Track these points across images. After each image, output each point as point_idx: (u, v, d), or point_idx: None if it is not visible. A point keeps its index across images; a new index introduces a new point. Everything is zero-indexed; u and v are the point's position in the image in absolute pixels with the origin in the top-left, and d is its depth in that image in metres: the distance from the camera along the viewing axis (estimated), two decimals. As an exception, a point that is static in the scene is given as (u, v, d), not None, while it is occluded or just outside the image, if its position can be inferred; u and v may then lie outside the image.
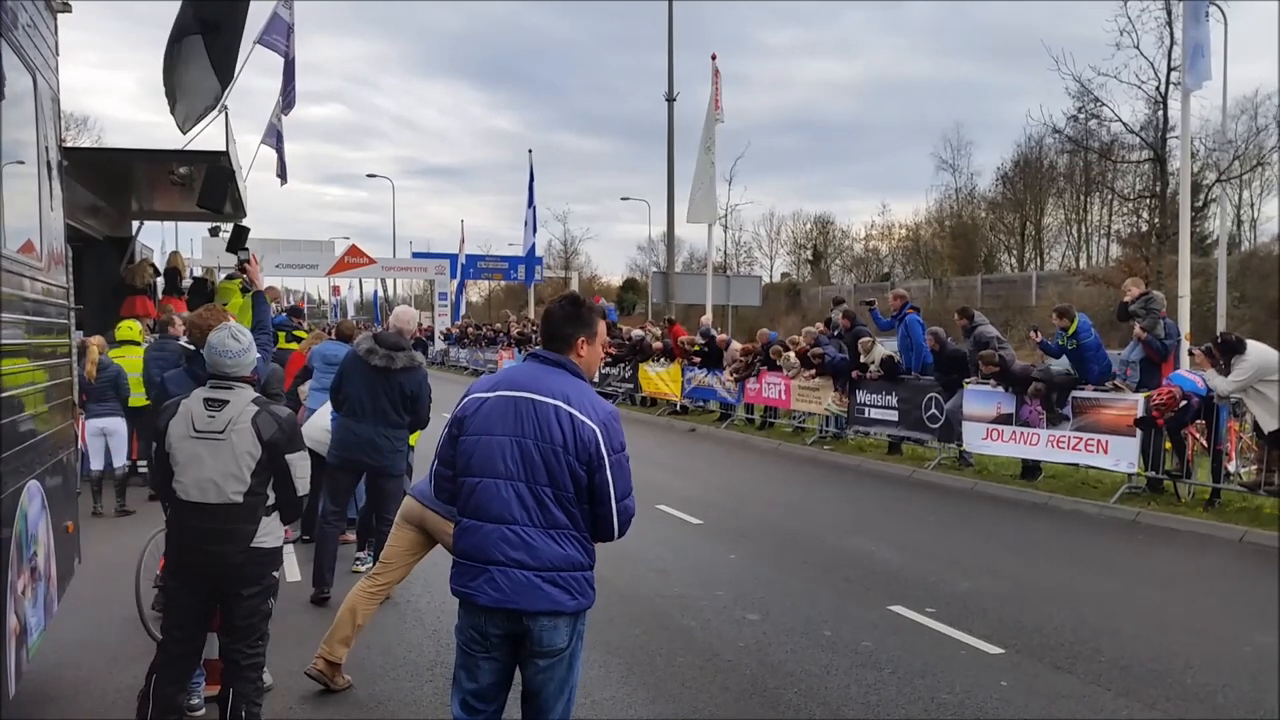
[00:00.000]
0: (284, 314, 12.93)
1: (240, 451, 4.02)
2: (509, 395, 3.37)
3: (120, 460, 9.84)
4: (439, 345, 41.09)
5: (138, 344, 10.59)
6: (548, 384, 3.37)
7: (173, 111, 6.69)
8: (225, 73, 6.65)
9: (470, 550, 3.36)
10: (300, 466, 4.20)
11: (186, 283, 14.67)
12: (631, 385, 22.12)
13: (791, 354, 16.63)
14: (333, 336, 10.45)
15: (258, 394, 4.28)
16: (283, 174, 18.80)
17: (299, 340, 10.83)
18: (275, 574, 4.27)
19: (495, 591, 3.27)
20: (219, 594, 4.14)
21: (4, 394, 3.95)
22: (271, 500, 4.16)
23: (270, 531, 4.17)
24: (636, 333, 23.24)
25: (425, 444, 8.72)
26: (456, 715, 3.44)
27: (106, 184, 11.59)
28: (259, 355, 5.29)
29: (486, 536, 3.31)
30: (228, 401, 4.09)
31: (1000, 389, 12.38)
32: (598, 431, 3.29)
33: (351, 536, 8.38)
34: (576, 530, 3.34)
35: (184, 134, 7.16)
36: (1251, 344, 10.02)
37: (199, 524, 4.02)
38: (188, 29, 6.62)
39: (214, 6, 6.67)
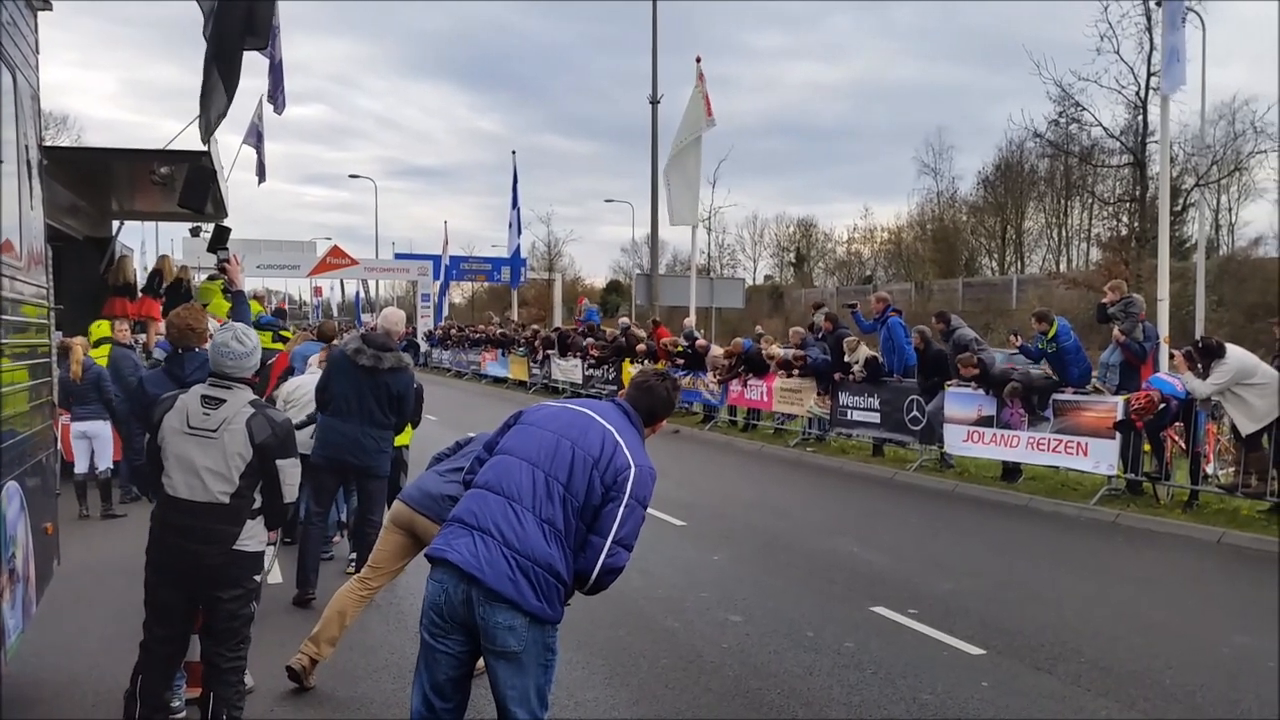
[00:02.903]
0: (271, 315, 12.84)
1: (231, 452, 4.01)
2: (574, 408, 3.58)
3: (105, 463, 9.75)
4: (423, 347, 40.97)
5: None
6: (613, 418, 3.57)
7: (200, 127, 6.72)
8: (231, 82, 6.67)
9: (464, 514, 3.42)
10: (290, 473, 4.19)
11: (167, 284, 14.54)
12: (615, 387, 22.10)
13: (776, 347, 16.80)
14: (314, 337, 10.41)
15: (256, 396, 4.27)
16: (261, 173, 18.71)
17: (285, 341, 10.79)
18: (256, 578, 4.25)
19: (469, 554, 3.30)
20: (198, 596, 4.12)
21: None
22: (258, 504, 4.15)
23: (253, 535, 4.15)
24: (622, 321, 23.87)
25: (421, 449, 8.71)
26: (415, 710, 3.46)
27: (86, 183, 11.50)
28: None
29: (488, 504, 3.38)
30: (225, 401, 4.09)
31: (981, 391, 12.45)
32: (631, 471, 3.41)
33: (338, 539, 8.36)
34: (566, 540, 3.36)
35: (205, 145, 7.20)
36: (1230, 348, 10.11)
37: (182, 521, 4.01)
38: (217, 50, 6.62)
39: (225, 17, 6.65)
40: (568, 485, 3.36)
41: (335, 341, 9.24)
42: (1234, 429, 10.24)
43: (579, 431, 3.47)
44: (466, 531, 3.36)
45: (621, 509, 3.36)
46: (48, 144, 7.34)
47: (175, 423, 4.05)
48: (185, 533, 4.01)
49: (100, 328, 10.83)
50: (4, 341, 4.36)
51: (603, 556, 3.35)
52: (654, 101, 25.56)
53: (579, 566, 3.39)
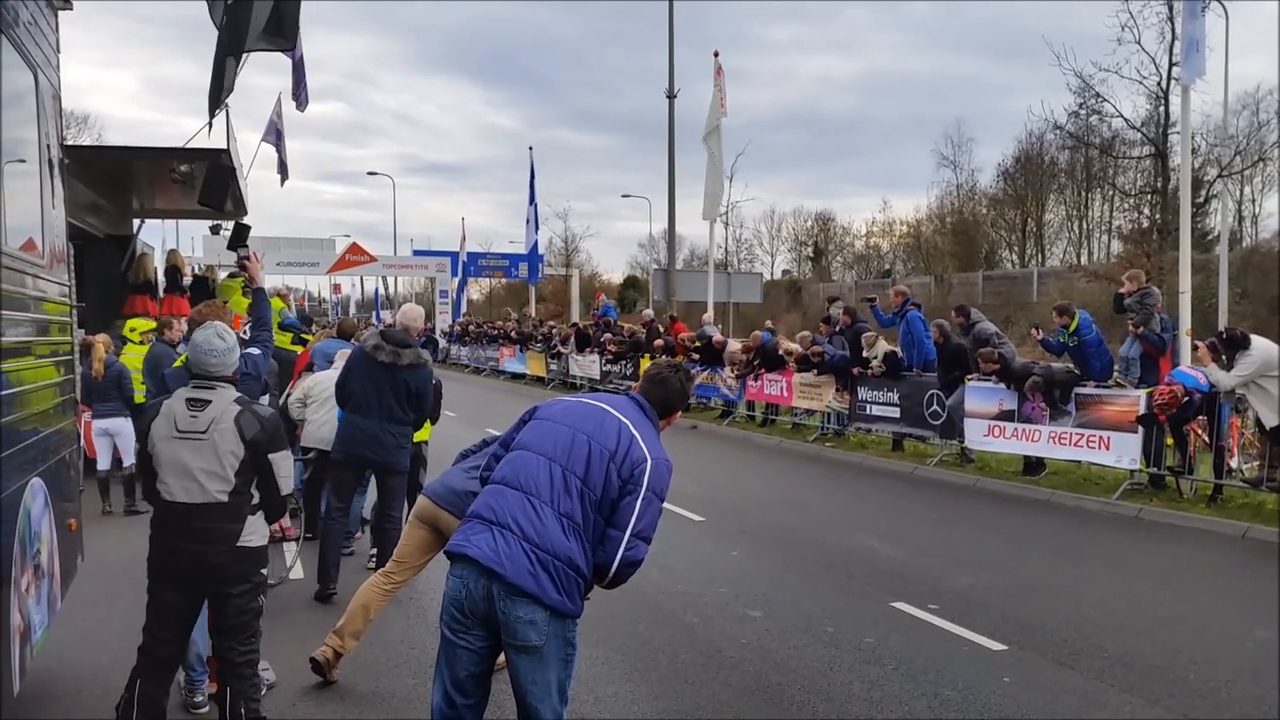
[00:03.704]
0: (294, 317, 12.90)
1: (223, 451, 4.01)
2: (589, 402, 3.60)
3: (130, 459, 9.82)
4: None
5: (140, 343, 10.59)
6: (629, 412, 3.58)
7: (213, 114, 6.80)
8: (235, 69, 6.76)
9: (482, 509, 3.43)
10: (283, 465, 4.20)
11: (187, 280, 14.65)
12: (633, 383, 22.10)
13: (793, 345, 16.75)
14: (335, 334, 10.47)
15: (240, 394, 4.27)
16: (283, 172, 18.82)
17: (304, 344, 10.86)
18: (263, 571, 4.26)
19: (489, 549, 3.31)
20: (205, 594, 4.14)
21: (6, 392, 3.95)
22: (256, 500, 4.16)
23: (255, 530, 4.16)
24: (647, 313, 24.51)
25: (439, 445, 8.75)
26: (436, 705, 3.47)
27: (108, 182, 11.59)
28: (259, 352, 5.30)
29: (508, 500, 3.39)
30: (210, 401, 4.08)
31: (1001, 385, 12.38)
32: (648, 464, 3.42)
33: (360, 535, 8.40)
34: (585, 533, 3.37)
35: (210, 123, 7.27)
36: (1255, 339, 10.01)
37: (183, 524, 4.01)
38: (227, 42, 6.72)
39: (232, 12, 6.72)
40: (585, 479, 3.37)
41: (355, 338, 9.29)
42: (1258, 422, 10.13)
43: (595, 425, 3.48)
44: (486, 527, 3.36)
45: (639, 502, 3.37)
46: (69, 143, 7.39)
47: (164, 428, 4.04)
48: (188, 535, 4.01)
49: (140, 325, 10.91)
50: (27, 339, 4.39)
51: (621, 549, 3.36)
52: (671, 96, 25.50)
53: (598, 560, 3.39)
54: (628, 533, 3.35)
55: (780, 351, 16.93)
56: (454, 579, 3.40)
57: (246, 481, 4.09)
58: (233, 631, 4.17)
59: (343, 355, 7.84)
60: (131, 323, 11.10)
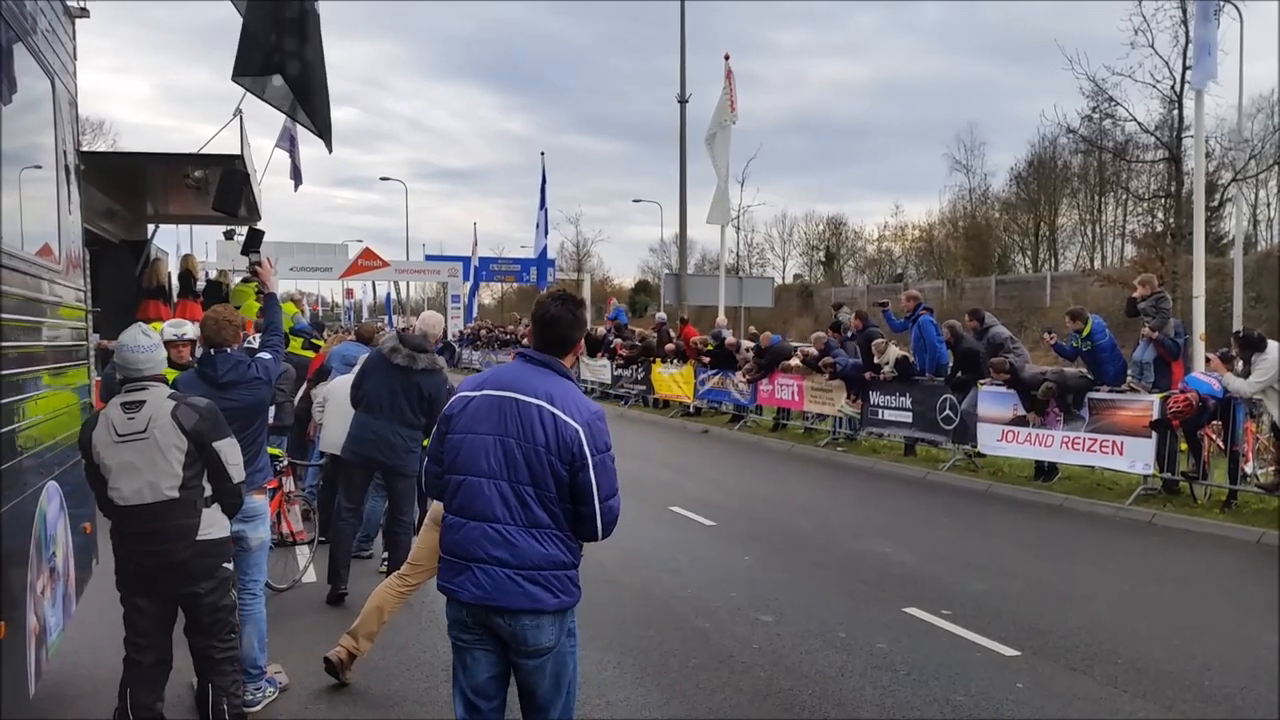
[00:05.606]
0: (306, 323, 12.92)
1: (166, 445, 4.02)
2: (494, 394, 3.39)
3: None
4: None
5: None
6: (533, 384, 3.38)
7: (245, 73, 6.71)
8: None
9: (453, 547, 3.38)
10: (230, 453, 4.20)
11: (201, 285, 14.71)
12: (644, 387, 22.12)
13: (794, 361, 16.72)
14: (353, 338, 10.51)
15: (173, 390, 4.28)
16: (296, 178, 18.93)
17: (316, 349, 10.89)
18: (227, 565, 4.28)
19: (476, 588, 3.29)
20: (175, 596, 4.16)
21: (22, 396, 3.99)
22: (209, 492, 4.17)
23: (214, 523, 4.18)
24: (659, 315, 24.60)
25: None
26: (460, 715, 3.46)
27: (122, 187, 11.65)
28: (269, 356, 5.30)
29: (469, 534, 3.33)
30: (144, 401, 4.08)
31: (1014, 391, 12.32)
32: (581, 432, 3.30)
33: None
34: (559, 529, 3.34)
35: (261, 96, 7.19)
36: (1272, 343, 9.96)
37: (142, 526, 4.03)
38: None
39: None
40: (534, 483, 3.30)
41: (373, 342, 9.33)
42: (1273, 427, 10.08)
43: (516, 425, 3.33)
44: (465, 567, 3.33)
45: (593, 473, 3.29)
46: (85, 149, 7.46)
47: (104, 436, 4.04)
48: (148, 537, 4.04)
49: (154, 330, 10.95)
50: (43, 344, 4.43)
51: (599, 520, 3.33)
52: (682, 101, 25.52)
53: (583, 537, 3.38)
54: (597, 505, 3.31)
55: (793, 360, 16.87)
56: (452, 606, 3.40)
57: (196, 474, 4.10)
58: (211, 630, 4.21)
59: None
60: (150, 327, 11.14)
